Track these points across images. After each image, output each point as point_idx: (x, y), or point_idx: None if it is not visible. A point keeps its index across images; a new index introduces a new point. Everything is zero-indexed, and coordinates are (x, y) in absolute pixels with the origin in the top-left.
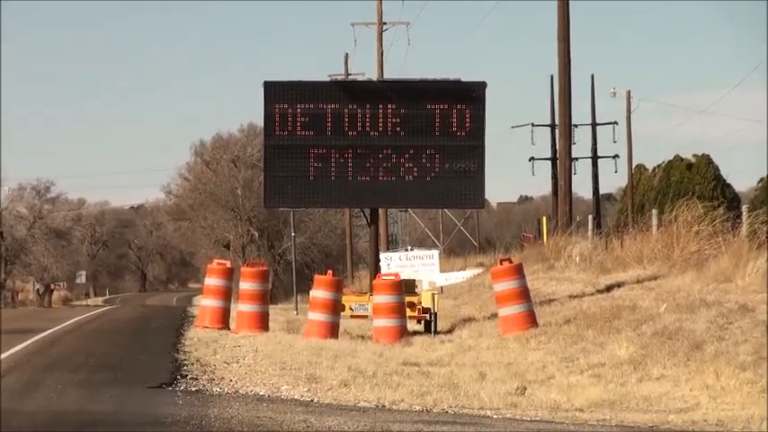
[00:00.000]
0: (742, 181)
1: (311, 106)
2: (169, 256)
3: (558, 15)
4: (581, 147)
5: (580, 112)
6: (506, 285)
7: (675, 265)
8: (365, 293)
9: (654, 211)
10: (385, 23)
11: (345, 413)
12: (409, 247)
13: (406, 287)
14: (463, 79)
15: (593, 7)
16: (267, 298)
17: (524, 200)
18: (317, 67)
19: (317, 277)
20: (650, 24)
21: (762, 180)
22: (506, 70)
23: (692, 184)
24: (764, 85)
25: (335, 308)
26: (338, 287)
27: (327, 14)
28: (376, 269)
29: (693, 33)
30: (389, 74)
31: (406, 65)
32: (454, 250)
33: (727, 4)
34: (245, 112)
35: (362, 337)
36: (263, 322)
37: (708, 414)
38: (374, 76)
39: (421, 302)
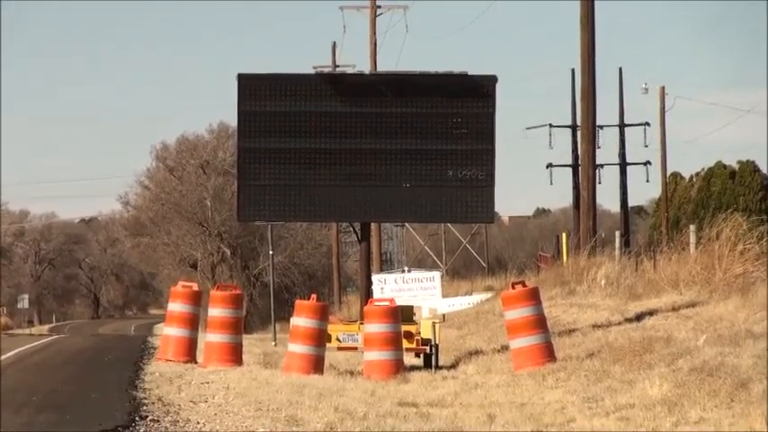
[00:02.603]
0: None
1: (293, 103)
2: (126, 278)
3: (582, 1)
4: (607, 152)
5: (606, 112)
6: (519, 313)
7: (717, 290)
8: (355, 322)
9: (692, 227)
10: (379, 7)
11: None
12: (406, 268)
13: (403, 315)
14: (470, 72)
15: None
16: (240, 327)
17: (541, 213)
18: (300, 58)
19: (298, 303)
20: (686, 10)
21: None
22: (520, 63)
23: (734, 196)
24: None
25: (320, 338)
26: (323, 314)
27: None
28: (367, 293)
29: (737, 20)
30: (384, 66)
31: (404, 56)
32: (459, 272)
33: None
34: (215, 110)
35: (351, 373)
36: (235, 355)
37: None
38: (366, 69)
39: (420, 332)
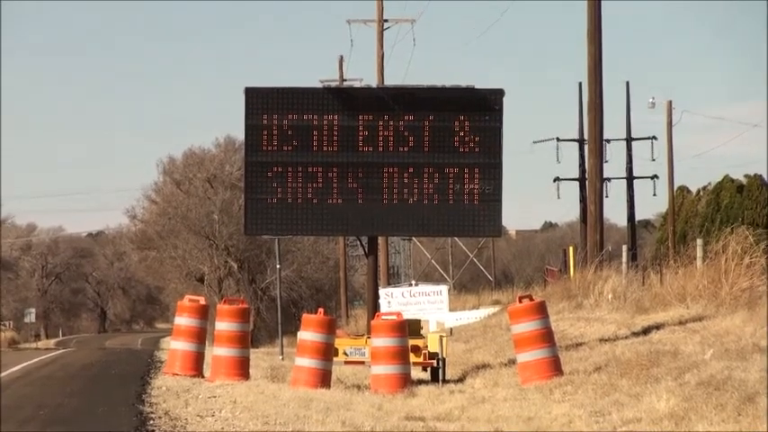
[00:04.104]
0: None
1: (300, 117)
2: (133, 292)
3: (588, 13)
4: (614, 165)
5: (613, 126)
6: (526, 327)
7: (724, 303)
8: (362, 336)
9: (699, 241)
10: (386, 21)
11: None
12: (413, 282)
13: (410, 328)
14: (477, 86)
15: (628, 5)
16: (248, 340)
17: (548, 227)
18: (308, 72)
19: (305, 316)
20: (693, 23)
21: None
22: (527, 77)
23: (741, 209)
24: None
25: (327, 352)
26: (330, 328)
27: (319, 11)
28: (375, 307)
29: (743, 32)
30: (391, 80)
31: (411, 70)
32: (466, 286)
33: None
34: (222, 124)
35: (359, 387)
36: (242, 369)
37: None
38: (373, 82)
39: (427, 346)
